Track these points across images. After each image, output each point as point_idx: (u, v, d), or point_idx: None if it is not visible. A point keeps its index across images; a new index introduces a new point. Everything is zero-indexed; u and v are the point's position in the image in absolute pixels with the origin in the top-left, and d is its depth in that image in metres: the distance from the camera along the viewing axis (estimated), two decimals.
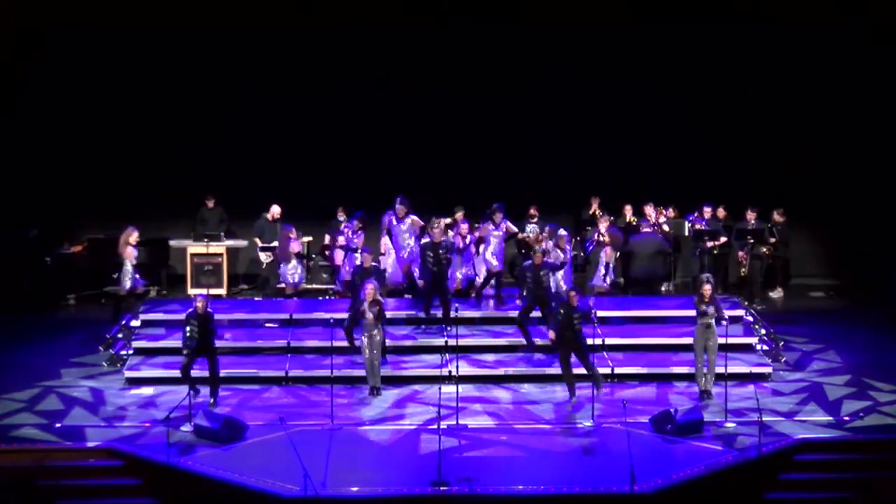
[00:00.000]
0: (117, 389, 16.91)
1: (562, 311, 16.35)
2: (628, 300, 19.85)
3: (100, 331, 19.02)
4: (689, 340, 17.46)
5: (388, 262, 19.51)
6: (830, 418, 15.64)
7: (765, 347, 18.25)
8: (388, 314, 18.10)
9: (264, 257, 20.88)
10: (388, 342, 17.97)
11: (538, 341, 17.54)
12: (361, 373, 17.18)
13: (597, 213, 21.56)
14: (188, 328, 16.03)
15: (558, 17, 22.41)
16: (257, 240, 21.02)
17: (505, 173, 22.36)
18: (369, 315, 16.36)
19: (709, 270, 21.04)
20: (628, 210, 21.61)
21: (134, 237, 19.37)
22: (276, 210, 21.07)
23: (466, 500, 13.45)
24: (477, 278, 19.47)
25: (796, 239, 21.84)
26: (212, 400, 16.21)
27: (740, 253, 21.15)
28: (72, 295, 21.49)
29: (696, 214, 21.44)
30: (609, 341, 17.82)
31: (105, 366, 17.85)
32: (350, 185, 22.07)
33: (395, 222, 19.28)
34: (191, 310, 16.19)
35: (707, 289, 16.21)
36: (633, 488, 13.47)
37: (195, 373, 16.25)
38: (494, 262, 18.94)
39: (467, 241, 19.06)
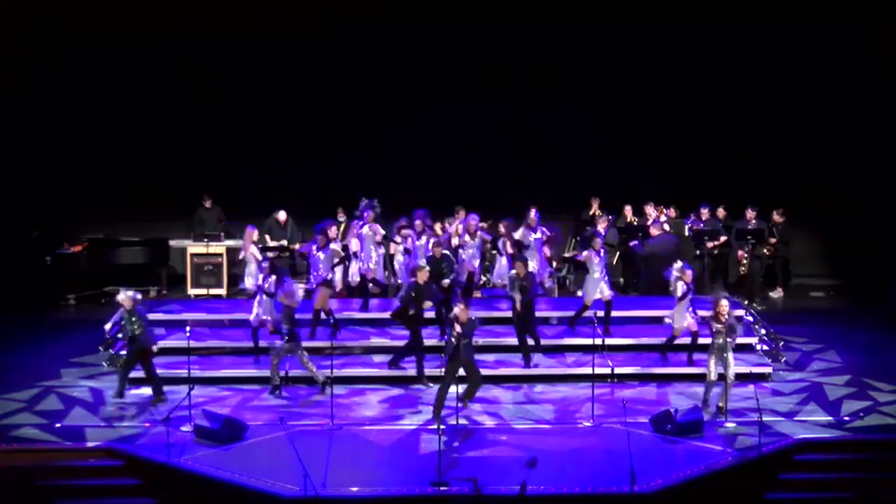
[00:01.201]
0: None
1: (453, 335, 15.61)
2: (629, 300, 19.84)
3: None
4: (689, 341, 17.46)
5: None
6: (830, 418, 15.64)
7: (765, 347, 18.26)
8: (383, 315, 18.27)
9: (271, 255, 20.85)
10: (389, 342, 18.01)
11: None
12: (363, 372, 17.24)
13: (597, 213, 21.56)
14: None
15: (558, 17, 22.42)
16: (267, 237, 21.02)
17: (505, 173, 22.37)
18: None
19: (709, 271, 21.08)
20: (628, 210, 21.60)
21: (255, 235, 19.32)
22: (282, 215, 21.06)
23: (466, 500, 13.45)
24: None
25: (796, 239, 21.84)
26: (154, 398, 16.26)
27: (740, 253, 21.16)
28: (72, 295, 21.50)
29: (693, 217, 21.42)
30: (609, 341, 17.82)
31: (105, 366, 17.86)
32: (350, 185, 22.06)
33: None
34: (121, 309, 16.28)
35: (724, 305, 15.75)
36: (633, 488, 13.48)
37: (197, 373, 16.46)
38: (607, 292, 18.12)
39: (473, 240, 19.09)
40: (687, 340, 17.18)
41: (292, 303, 16.49)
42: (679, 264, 17.14)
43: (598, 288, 17.92)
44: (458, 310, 15.58)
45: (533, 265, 18.47)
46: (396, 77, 22.49)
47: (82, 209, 22.62)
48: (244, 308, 19.56)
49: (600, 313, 17.90)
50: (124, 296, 16.17)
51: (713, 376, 15.80)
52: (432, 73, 22.46)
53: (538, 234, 18.98)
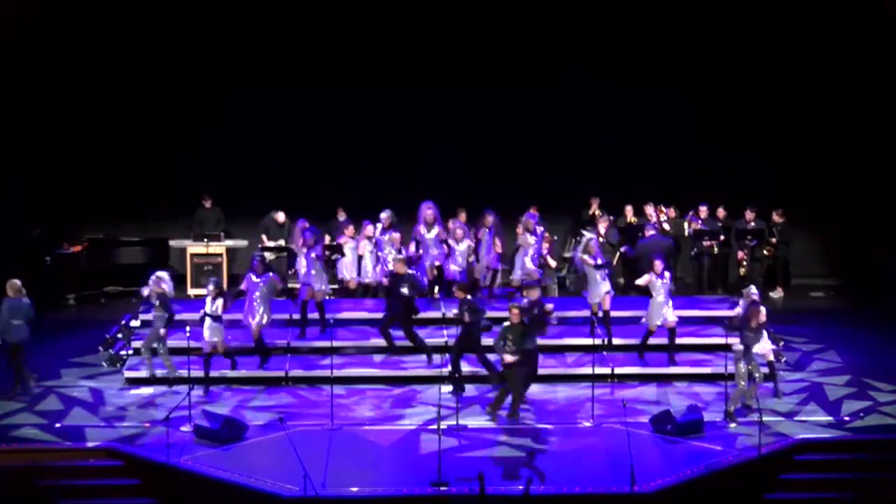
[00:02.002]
0: (117, 389, 16.92)
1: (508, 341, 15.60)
2: (628, 300, 19.80)
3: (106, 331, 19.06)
4: (689, 340, 17.46)
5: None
6: (830, 418, 15.64)
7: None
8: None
9: (268, 256, 20.89)
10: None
11: None
12: (363, 372, 17.24)
13: (596, 213, 21.54)
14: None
15: (558, 17, 22.41)
16: (264, 237, 21.02)
17: (505, 173, 22.36)
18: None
19: (708, 271, 21.08)
20: (629, 210, 21.58)
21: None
22: (280, 216, 21.05)
23: (466, 500, 13.44)
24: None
25: (796, 239, 21.81)
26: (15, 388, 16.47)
27: (740, 254, 21.15)
28: (72, 295, 21.48)
29: (692, 213, 21.40)
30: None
31: (105, 366, 17.86)
32: (350, 185, 22.08)
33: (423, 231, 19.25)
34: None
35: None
36: (633, 488, 13.47)
37: (197, 373, 16.45)
38: (672, 317, 17.32)
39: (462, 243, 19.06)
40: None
41: (157, 289, 16.62)
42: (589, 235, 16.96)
43: (662, 312, 17.17)
44: (513, 314, 15.67)
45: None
46: (396, 77, 22.46)
47: (82, 209, 22.59)
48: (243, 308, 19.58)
49: (606, 311, 17.89)
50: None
51: (745, 381, 15.57)
52: (432, 73, 22.44)
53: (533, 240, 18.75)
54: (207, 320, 16.67)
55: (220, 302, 16.68)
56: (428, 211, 19.15)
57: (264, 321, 17.18)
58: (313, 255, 17.93)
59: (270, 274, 17.49)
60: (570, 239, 21.96)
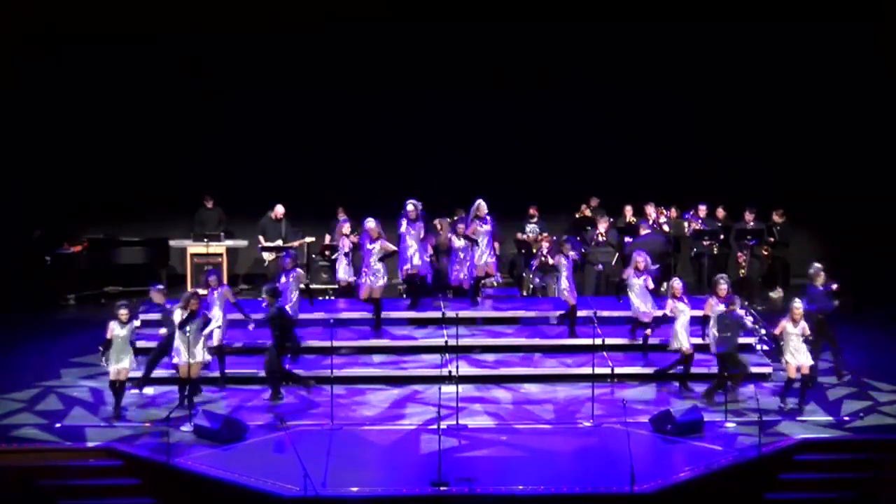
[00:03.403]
0: None
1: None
2: (628, 300, 19.78)
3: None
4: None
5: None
6: (830, 418, 15.64)
7: (765, 347, 18.22)
8: (389, 314, 18.16)
9: (267, 256, 20.91)
10: (389, 342, 18.02)
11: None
12: (363, 372, 17.23)
13: (587, 213, 21.56)
14: None
15: (558, 17, 22.42)
16: (261, 237, 21.03)
17: (505, 173, 22.37)
18: None
19: (708, 271, 21.07)
20: (628, 210, 21.59)
21: (347, 228, 19.28)
22: (279, 210, 21.07)
23: (466, 500, 13.45)
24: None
25: (796, 239, 21.81)
26: None
27: (739, 254, 21.15)
28: (72, 295, 21.49)
29: (692, 212, 21.41)
30: (609, 341, 17.81)
31: (105, 366, 17.82)
32: (350, 185, 22.09)
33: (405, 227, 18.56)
34: None
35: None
36: (633, 488, 13.47)
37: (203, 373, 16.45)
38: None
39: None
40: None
41: None
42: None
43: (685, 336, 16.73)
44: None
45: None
46: (396, 77, 22.48)
47: (82, 209, 22.60)
48: (245, 308, 19.57)
49: (602, 313, 17.90)
50: None
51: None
52: (432, 73, 22.45)
53: (488, 226, 18.58)
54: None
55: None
56: (370, 224, 18.17)
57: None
58: (216, 293, 17.33)
59: (298, 269, 17.63)
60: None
